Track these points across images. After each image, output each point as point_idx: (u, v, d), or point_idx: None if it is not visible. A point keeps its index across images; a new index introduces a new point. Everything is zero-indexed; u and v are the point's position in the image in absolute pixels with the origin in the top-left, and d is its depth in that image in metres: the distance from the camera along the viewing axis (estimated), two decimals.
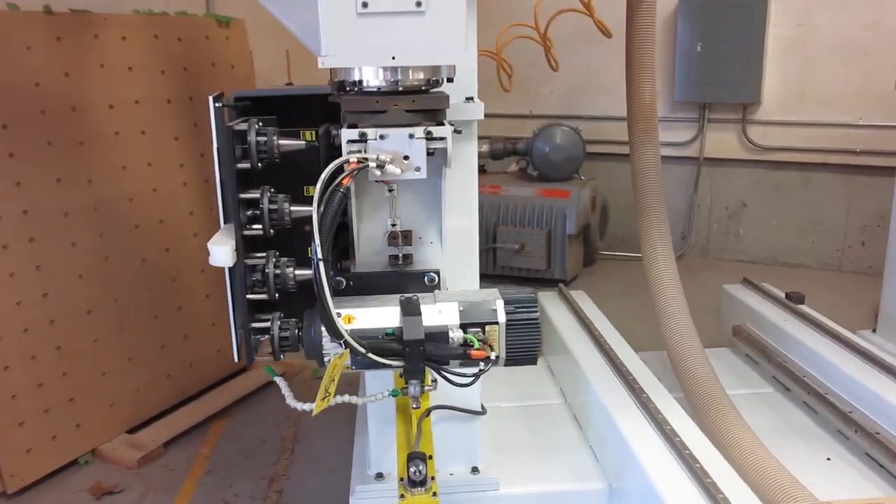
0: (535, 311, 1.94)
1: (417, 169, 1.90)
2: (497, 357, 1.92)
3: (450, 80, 1.98)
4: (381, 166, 1.84)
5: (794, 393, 3.36)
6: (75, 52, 3.47)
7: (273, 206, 1.99)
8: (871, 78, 5.62)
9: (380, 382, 2.31)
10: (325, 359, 1.93)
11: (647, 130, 3.15)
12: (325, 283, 1.78)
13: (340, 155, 1.86)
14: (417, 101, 1.89)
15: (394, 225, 2.15)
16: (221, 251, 1.95)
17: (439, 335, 1.87)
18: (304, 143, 2.01)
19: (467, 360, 1.88)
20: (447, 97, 1.97)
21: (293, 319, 2.10)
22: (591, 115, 6.34)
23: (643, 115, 3.19)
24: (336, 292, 2.00)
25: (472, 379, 1.92)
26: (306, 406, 1.94)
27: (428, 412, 2.14)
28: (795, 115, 5.96)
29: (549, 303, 3.91)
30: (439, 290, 2.10)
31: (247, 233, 2.01)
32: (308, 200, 1.86)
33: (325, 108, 2.18)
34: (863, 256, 6.04)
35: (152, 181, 3.84)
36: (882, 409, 2.83)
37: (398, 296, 1.98)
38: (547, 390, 3.49)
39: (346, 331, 1.82)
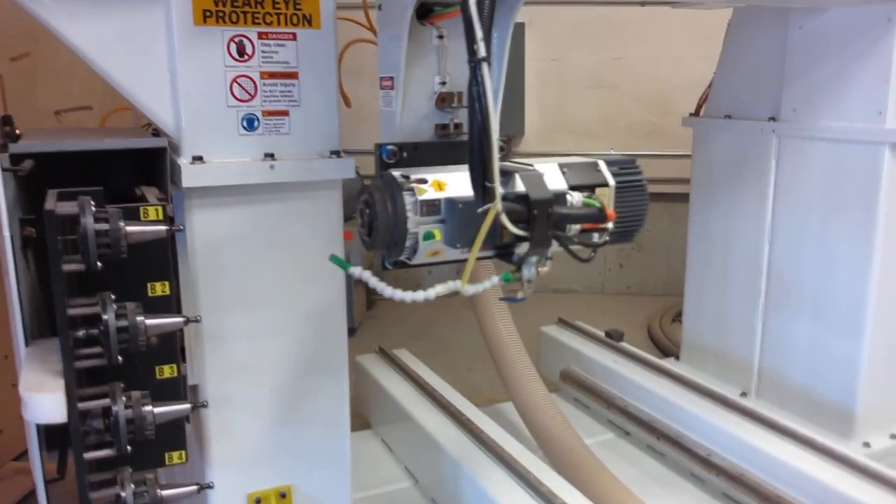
0: (641, 174, 1.72)
1: None
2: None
3: None
4: None
5: (635, 436, 3.32)
6: None
7: (122, 323, 1.39)
8: (620, 110, 6.01)
9: None
10: (409, 240, 1.50)
11: None
12: (489, 92, 1.33)
13: None
14: None
15: (443, 83, 1.77)
16: (49, 401, 1.30)
17: (560, 198, 1.53)
18: (164, 228, 1.43)
19: (590, 229, 1.58)
20: None
21: (149, 475, 1.50)
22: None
23: None
24: (385, 164, 1.66)
25: (592, 253, 1.61)
26: (430, 293, 1.48)
27: None
28: (554, 146, 6.17)
29: (373, 367, 3.51)
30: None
31: (81, 364, 1.38)
32: (160, 306, 1.32)
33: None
34: (622, 278, 6.42)
35: None
36: (741, 452, 2.84)
37: None
38: (388, 471, 3.09)
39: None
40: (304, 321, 2.04)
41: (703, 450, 2.93)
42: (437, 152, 1.77)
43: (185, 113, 1.77)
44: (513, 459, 2.53)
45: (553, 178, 1.59)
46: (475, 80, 1.35)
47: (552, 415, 2.88)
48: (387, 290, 1.52)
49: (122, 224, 1.35)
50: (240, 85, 1.79)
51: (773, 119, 3.32)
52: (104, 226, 1.33)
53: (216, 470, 1.95)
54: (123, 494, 1.45)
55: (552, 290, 6.46)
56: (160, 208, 1.50)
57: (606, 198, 1.65)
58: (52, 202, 1.31)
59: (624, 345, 3.68)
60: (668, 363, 3.56)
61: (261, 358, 1.99)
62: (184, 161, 1.77)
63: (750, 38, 3.47)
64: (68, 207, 1.31)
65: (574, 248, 1.58)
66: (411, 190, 1.50)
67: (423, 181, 1.51)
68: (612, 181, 1.66)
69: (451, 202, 1.49)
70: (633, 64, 5.99)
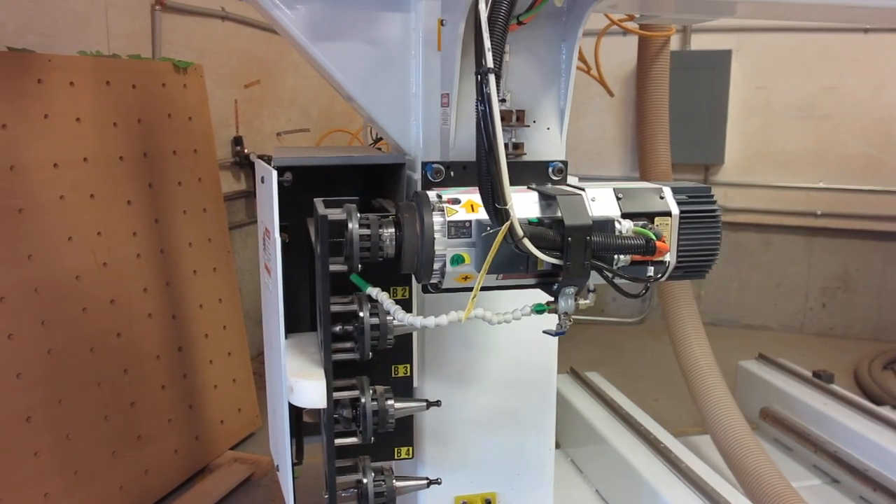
0: (714, 203, 1.51)
1: None
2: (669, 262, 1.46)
3: None
4: None
5: (846, 485, 3.10)
6: (14, 100, 2.84)
7: (374, 321, 1.50)
8: (832, 141, 5.64)
9: None
10: (437, 262, 1.40)
11: None
12: (495, 111, 1.23)
13: None
14: None
15: (503, 100, 1.65)
16: (312, 388, 1.43)
17: (603, 225, 1.39)
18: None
19: (640, 261, 1.42)
20: None
21: (386, 466, 1.60)
22: None
23: (660, 178, 3.03)
24: (430, 184, 1.57)
25: (643, 290, 1.46)
26: (441, 319, 1.40)
27: None
28: (755, 177, 5.91)
29: (564, 387, 3.51)
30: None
31: (338, 357, 1.51)
32: (402, 308, 1.40)
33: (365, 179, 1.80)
34: (824, 318, 6.00)
35: (102, 254, 3.19)
36: None
37: (528, 185, 1.51)
38: (579, 492, 3.08)
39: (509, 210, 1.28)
40: (518, 331, 2.08)
41: None
42: None
43: (424, 132, 1.88)
44: (715, 492, 2.45)
45: (604, 204, 1.45)
46: (480, 93, 1.26)
47: (756, 453, 2.76)
48: (399, 314, 1.45)
49: (381, 229, 1.46)
50: None
51: None
52: (366, 231, 1.44)
53: (429, 470, 2.04)
54: (365, 481, 1.56)
55: (744, 325, 6.16)
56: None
57: (667, 228, 1.47)
58: (322, 208, 1.45)
59: (834, 387, 3.45)
60: (886, 410, 3.29)
61: (476, 365, 2.07)
62: (419, 176, 1.87)
63: None
64: (337, 214, 1.44)
65: (621, 282, 1.44)
66: (441, 210, 1.41)
67: (456, 201, 1.41)
68: (675, 210, 1.47)
69: (480, 224, 1.38)
70: (850, 92, 5.62)
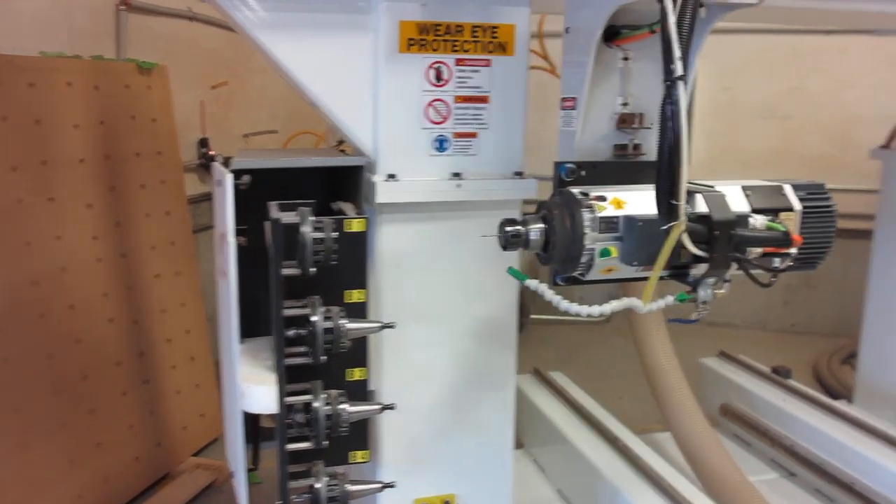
0: (830, 199, 1.68)
1: None
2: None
3: None
4: None
5: (802, 478, 3.16)
6: None
7: (328, 325, 1.51)
8: (795, 141, 5.74)
9: None
10: (585, 256, 1.50)
11: None
12: (682, 111, 1.34)
13: None
14: None
15: (625, 104, 1.77)
16: (264, 393, 1.43)
17: (743, 220, 1.53)
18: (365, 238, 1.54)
19: (769, 253, 1.56)
20: None
21: (340, 470, 1.61)
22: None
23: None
24: (563, 182, 1.65)
25: (773, 278, 1.59)
26: (605, 308, 1.55)
27: None
28: (720, 176, 5.98)
29: (528, 387, 3.54)
30: None
31: (289, 361, 1.51)
32: (355, 312, 1.41)
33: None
34: (786, 315, 6.10)
35: (61, 258, 3.15)
36: None
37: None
38: (541, 491, 3.10)
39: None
40: (476, 335, 2.11)
41: (880, 498, 2.76)
42: (615, 172, 1.78)
43: (383, 134, 1.89)
44: (673, 489, 2.49)
45: (736, 200, 1.56)
46: (670, 98, 1.36)
47: (715, 449, 2.80)
48: (563, 304, 1.57)
49: (333, 234, 1.47)
50: (434, 108, 1.90)
51: None
52: (320, 234, 1.45)
53: (387, 473, 2.05)
54: (318, 485, 1.56)
55: (709, 323, 6.21)
56: (364, 220, 1.62)
57: (791, 222, 1.62)
58: (276, 212, 1.45)
59: (792, 382, 3.52)
60: (841, 405, 3.36)
61: (434, 368, 2.08)
62: (378, 178, 1.89)
63: None
64: (291, 217, 1.44)
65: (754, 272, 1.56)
66: (590, 207, 1.52)
67: (603, 198, 1.53)
68: (798, 206, 1.62)
69: (631, 220, 1.50)
70: (812, 93, 5.72)
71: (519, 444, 3.51)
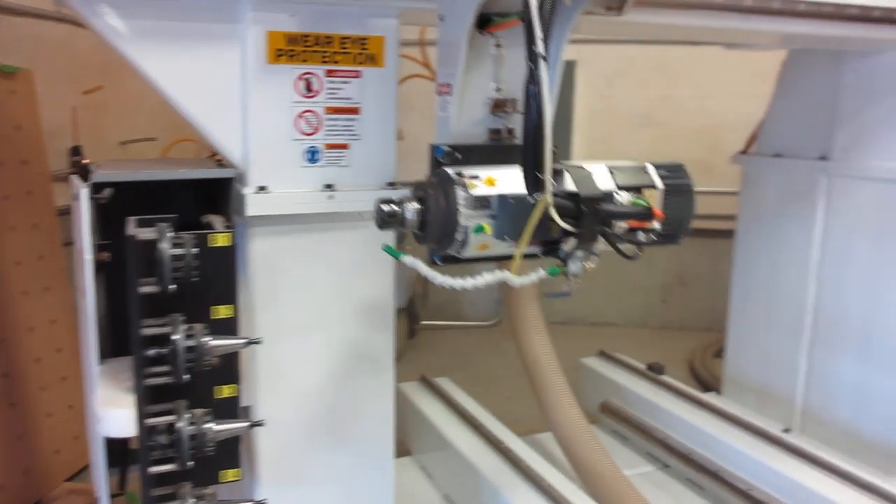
0: (688, 178, 1.76)
1: None
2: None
3: None
4: None
5: (674, 469, 3.31)
6: None
7: (190, 343, 1.47)
8: (667, 147, 6.02)
9: None
10: (459, 233, 1.54)
11: None
12: (545, 89, 1.39)
13: None
14: None
15: (498, 90, 1.80)
16: (121, 416, 1.38)
17: (608, 196, 1.62)
18: (231, 253, 1.51)
19: (634, 228, 1.65)
20: None
21: (208, 490, 1.57)
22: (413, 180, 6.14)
23: None
24: (439, 164, 1.67)
25: (639, 252, 1.68)
26: (478, 280, 1.58)
27: None
28: None
29: (414, 394, 3.55)
30: None
31: (150, 382, 1.47)
32: (223, 328, 1.38)
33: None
34: (664, 313, 6.38)
35: None
36: (783, 486, 2.82)
37: None
38: (428, 497, 3.13)
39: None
40: (353, 347, 2.11)
41: (743, 484, 2.92)
42: (489, 154, 1.81)
43: (253, 145, 1.86)
44: (552, 488, 2.56)
45: (602, 179, 1.65)
46: (532, 77, 1.41)
47: (591, 445, 2.89)
48: (437, 278, 1.61)
49: (194, 250, 1.43)
50: (305, 119, 1.89)
51: (823, 158, 3.32)
52: (179, 251, 1.41)
53: (265, 489, 2.02)
54: None
55: (591, 322, 6.45)
56: (229, 235, 1.59)
57: (654, 199, 1.71)
58: (132, 228, 1.41)
59: (665, 378, 3.68)
60: (709, 397, 3.54)
61: (310, 382, 2.07)
62: (248, 191, 1.86)
63: (803, 79, 3.48)
64: (148, 233, 1.40)
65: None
66: (464, 185, 1.56)
67: (476, 177, 1.57)
68: (660, 184, 1.71)
69: (502, 197, 1.56)
70: (681, 101, 6.01)
71: (407, 452, 3.52)
